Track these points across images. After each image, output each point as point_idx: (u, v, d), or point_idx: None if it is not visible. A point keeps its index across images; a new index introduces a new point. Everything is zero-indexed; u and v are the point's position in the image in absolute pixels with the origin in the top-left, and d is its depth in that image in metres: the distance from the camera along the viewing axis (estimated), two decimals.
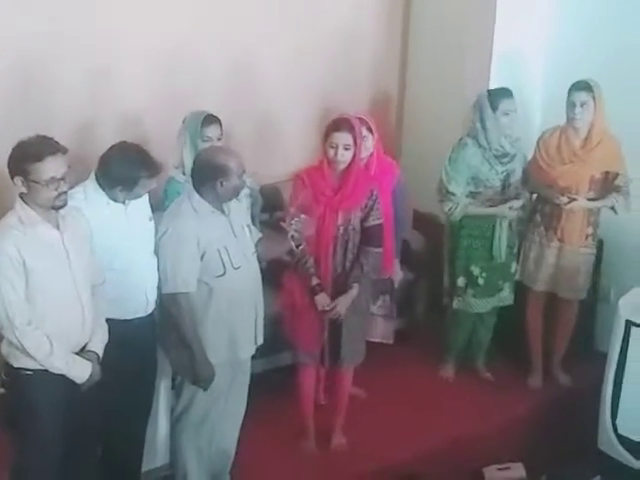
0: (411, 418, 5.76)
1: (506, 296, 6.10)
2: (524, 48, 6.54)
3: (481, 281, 6.00)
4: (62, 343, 4.06)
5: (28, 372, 4.04)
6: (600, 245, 6.26)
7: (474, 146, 5.79)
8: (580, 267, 6.00)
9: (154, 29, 5.82)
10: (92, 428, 4.36)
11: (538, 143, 5.96)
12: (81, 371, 4.10)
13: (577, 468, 5.51)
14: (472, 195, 5.85)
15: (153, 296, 4.61)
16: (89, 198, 4.40)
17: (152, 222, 4.60)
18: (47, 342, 3.97)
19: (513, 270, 6.06)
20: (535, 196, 6.05)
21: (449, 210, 5.85)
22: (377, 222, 5.11)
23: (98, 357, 4.19)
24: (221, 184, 4.42)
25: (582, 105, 5.67)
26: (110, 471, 4.72)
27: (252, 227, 4.84)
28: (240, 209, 4.76)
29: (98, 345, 4.21)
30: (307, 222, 4.71)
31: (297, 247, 4.80)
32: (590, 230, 5.96)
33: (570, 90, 5.71)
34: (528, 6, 6.47)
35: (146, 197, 4.61)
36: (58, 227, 4.03)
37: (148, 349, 4.69)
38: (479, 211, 5.85)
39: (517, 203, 5.83)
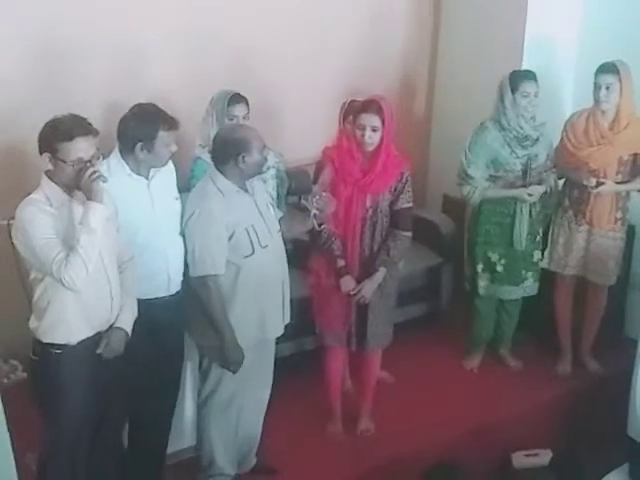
0: (439, 404, 5.74)
1: (530, 285, 6.04)
2: (556, 31, 6.49)
3: (500, 268, 5.95)
4: (90, 319, 4.07)
5: (57, 350, 4.03)
6: (631, 232, 6.23)
7: (495, 129, 5.74)
8: (609, 251, 5.95)
9: (182, 9, 5.83)
10: (120, 406, 4.37)
11: (566, 126, 5.91)
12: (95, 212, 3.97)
13: (605, 455, 5.48)
14: (492, 179, 5.80)
15: (177, 276, 4.60)
16: (112, 170, 4.36)
17: (178, 201, 4.58)
18: (83, 266, 3.90)
19: (536, 259, 5.99)
20: (563, 180, 5.99)
21: (467, 194, 5.82)
22: (407, 205, 5.07)
23: (126, 333, 4.18)
24: (243, 159, 4.40)
25: (607, 87, 5.62)
26: (136, 452, 4.73)
27: (274, 206, 4.84)
28: (263, 188, 4.76)
29: (126, 321, 4.20)
30: (329, 200, 4.68)
31: (319, 226, 4.79)
32: (619, 214, 5.91)
33: (596, 72, 5.66)
34: None
35: (173, 175, 4.61)
36: (84, 204, 4.00)
37: (173, 330, 4.67)
38: (498, 193, 5.78)
39: (538, 189, 5.74)
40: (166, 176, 4.55)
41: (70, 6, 5.41)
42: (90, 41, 5.53)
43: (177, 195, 4.61)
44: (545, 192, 5.78)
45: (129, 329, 4.21)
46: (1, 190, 5.25)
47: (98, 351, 4.10)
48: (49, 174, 3.95)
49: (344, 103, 5.52)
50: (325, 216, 4.71)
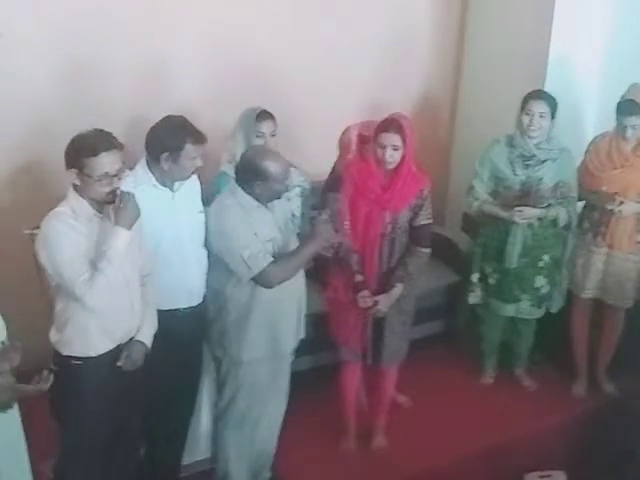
0: (453, 422, 5.74)
1: (526, 309, 6.00)
2: (580, 53, 6.46)
3: (492, 281, 5.98)
4: (110, 333, 4.11)
5: (77, 362, 4.06)
6: None
7: (505, 145, 5.76)
8: (629, 274, 5.93)
9: (207, 25, 5.86)
10: (138, 418, 4.40)
11: (589, 148, 5.91)
12: (118, 237, 4.02)
13: (619, 478, 5.48)
14: (494, 194, 5.82)
15: (199, 288, 4.63)
16: (138, 180, 4.41)
17: (202, 215, 4.60)
18: (104, 283, 3.94)
19: (538, 285, 5.93)
20: (583, 203, 5.97)
21: (468, 204, 5.88)
22: (426, 222, 5.09)
23: (146, 346, 4.22)
24: (258, 186, 4.45)
25: (634, 127, 5.62)
26: (151, 462, 4.75)
27: (293, 222, 4.90)
28: (283, 204, 4.77)
29: (146, 335, 4.24)
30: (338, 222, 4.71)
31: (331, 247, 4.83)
32: (639, 237, 5.88)
33: (619, 112, 5.64)
34: (586, 11, 6.39)
35: (197, 189, 4.64)
36: (110, 218, 4.04)
37: (193, 343, 4.70)
38: (492, 209, 5.79)
39: (532, 211, 5.69)
40: (191, 189, 4.58)
41: (96, 22, 5.46)
42: (115, 56, 5.57)
43: (202, 209, 4.63)
44: (540, 218, 5.72)
45: (149, 342, 4.24)
46: (27, 200, 5.31)
47: (119, 364, 4.13)
48: (76, 187, 3.98)
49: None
50: (331, 243, 4.73)
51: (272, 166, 4.45)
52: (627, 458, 5.38)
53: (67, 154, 3.95)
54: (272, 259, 4.46)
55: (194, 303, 4.62)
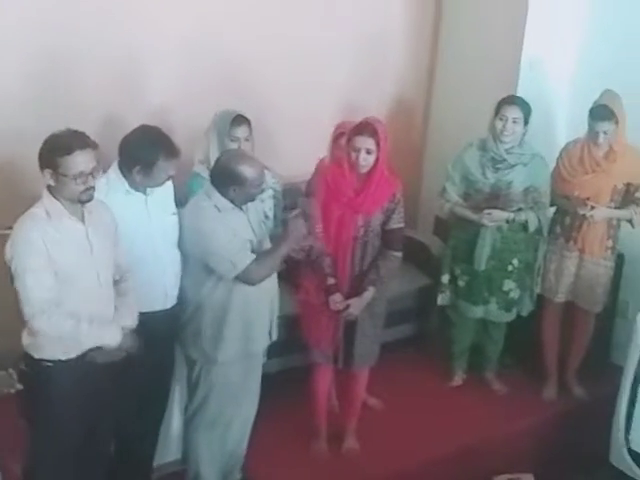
0: (423, 425, 5.76)
1: (494, 312, 6.04)
2: (553, 58, 6.52)
3: (461, 283, 6.02)
4: None
5: (48, 363, 4.05)
6: (620, 260, 6.24)
7: (477, 149, 5.82)
8: (599, 279, 5.97)
9: (182, 24, 5.83)
10: (109, 421, 4.38)
11: (561, 154, 5.95)
12: (111, 335, 4.10)
13: None
14: (464, 196, 5.87)
15: (173, 290, 4.63)
16: (110, 184, 4.41)
17: (175, 217, 4.61)
18: (70, 320, 3.96)
19: (506, 289, 5.97)
20: (555, 208, 6.02)
21: (440, 206, 5.95)
22: (398, 226, 5.11)
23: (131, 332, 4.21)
24: (234, 190, 4.46)
25: (606, 132, 5.65)
26: (122, 464, 4.74)
27: (266, 224, 4.91)
28: (257, 206, 4.77)
29: (126, 320, 4.21)
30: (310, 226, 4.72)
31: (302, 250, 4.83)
32: (610, 243, 5.93)
33: (592, 117, 5.68)
34: (558, 16, 6.45)
35: (170, 191, 4.64)
36: (83, 221, 4.05)
37: (166, 344, 4.70)
38: (462, 212, 5.85)
39: (500, 214, 5.73)
40: (164, 192, 4.57)
41: (68, 17, 5.41)
42: (89, 55, 5.53)
43: (175, 210, 4.63)
44: (508, 221, 5.75)
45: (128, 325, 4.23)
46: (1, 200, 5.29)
47: (88, 359, 4.11)
48: (51, 189, 3.97)
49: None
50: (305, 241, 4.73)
51: (247, 171, 4.45)
52: (596, 461, 5.41)
53: (41, 154, 3.93)
54: (254, 256, 4.48)
55: (168, 305, 4.62)
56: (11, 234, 3.96)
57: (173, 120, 5.54)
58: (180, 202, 4.74)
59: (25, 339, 4.09)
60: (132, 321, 4.25)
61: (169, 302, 4.63)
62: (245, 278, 4.49)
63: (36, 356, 4.06)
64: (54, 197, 3.97)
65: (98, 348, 4.10)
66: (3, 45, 5.30)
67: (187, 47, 5.90)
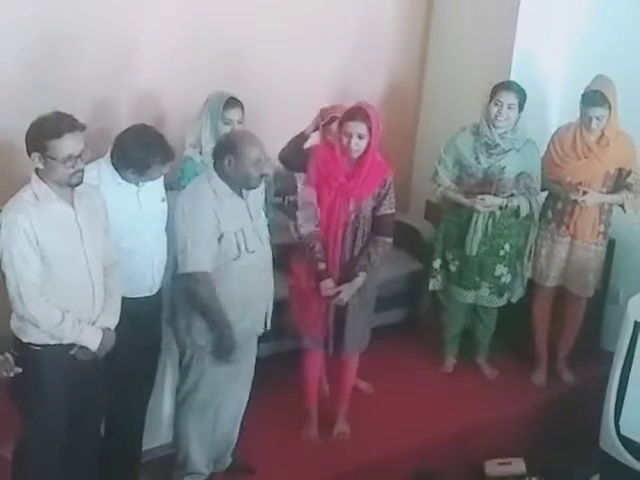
0: (414, 410, 5.76)
1: (486, 297, 6.05)
2: (545, 45, 6.52)
3: (453, 268, 6.04)
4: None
5: (36, 347, 4.04)
6: (611, 245, 6.26)
7: (470, 133, 5.83)
8: (590, 263, 5.99)
9: (175, 6, 5.82)
10: (98, 406, 4.37)
11: (553, 138, 5.95)
12: (91, 339, 4.10)
13: (577, 466, 5.54)
14: (457, 181, 5.88)
15: (159, 276, 4.63)
16: (102, 176, 4.41)
17: (164, 203, 4.60)
18: (57, 312, 3.98)
19: (498, 274, 5.99)
20: (546, 193, 6.02)
21: (432, 190, 5.96)
22: (389, 212, 5.11)
23: (109, 329, 4.19)
24: (229, 162, 4.43)
25: (598, 118, 5.66)
26: (111, 448, 4.73)
27: (264, 211, 4.85)
28: (257, 193, 4.74)
29: (108, 320, 4.20)
30: (313, 215, 4.71)
31: (299, 238, 4.79)
32: (602, 228, 5.95)
33: (585, 103, 5.69)
34: (552, 2, 6.45)
35: (160, 178, 4.60)
36: (73, 204, 4.03)
37: (152, 328, 4.70)
38: (455, 196, 5.86)
39: (493, 199, 5.74)
40: (155, 181, 4.55)
41: (63, 5, 5.39)
42: (81, 38, 5.49)
43: (164, 196, 4.62)
44: (501, 207, 5.77)
45: (112, 326, 4.21)
46: None
47: (71, 352, 4.10)
48: (39, 172, 3.95)
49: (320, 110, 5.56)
50: (307, 229, 4.71)
51: (244, 141, 4.46)
52: (586, 447, 5.42)
53: (29, 138, 3.92)
54: (207, 271, 4.43)
55: (154, 291, 4.62)
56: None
57: (164, 104, 5.54)
58: (170, 186, 4.74)
59: (14, 323, 4.09)
60: (113, 322, 4.24)
61: (155, 288, 4.63)
62: (189, 281, 4.47)
63: (24, 340, 4.05)
64: (43, 181, 3.95)
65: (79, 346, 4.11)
66: None
67: (180, 32, 5.87)
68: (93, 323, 4.15)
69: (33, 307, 3.93)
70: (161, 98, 5.64)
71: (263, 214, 4.74)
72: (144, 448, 4.97)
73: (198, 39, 5.94)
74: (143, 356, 4.65)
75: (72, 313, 4.03)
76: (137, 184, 4.45)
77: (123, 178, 4.42)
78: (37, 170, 3.96)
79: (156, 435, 5.06)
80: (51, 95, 5.11)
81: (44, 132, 3.88)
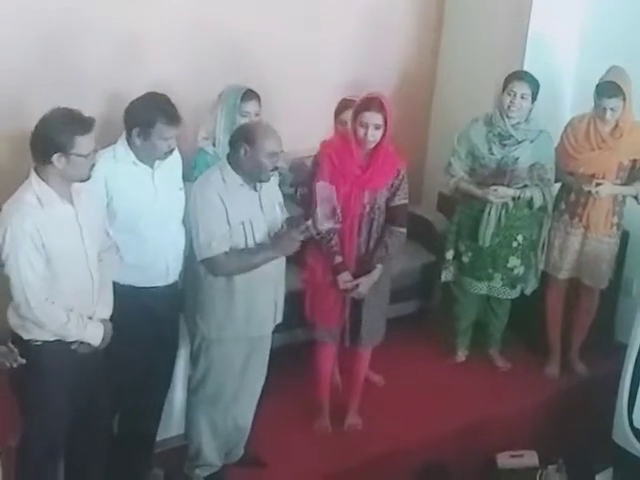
0: (426, 402, 5.76)
1: (498, 288, 6.03)
2: (559, 34, 6.47)
3: (465, 259, 6.01)
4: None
5: (37, 342, 4.03)
6: (625, 237, 6.22)
7: (483, 124, 5.80)
8: (604, 255, 5.96)
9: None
10: (103, 397, 4.35)
11: (566, 129, 5.92)
12: (94, 335, 4.11)
13: (590, 458, 5.52)
14: (470, 172, 5.85)
15: (175, 266, 4.62)
16: (117, 156, 4.42)
17: (182, 192, 4.59)
18: (63, 313, 3.98)
19: (511, 265, 5.97)
20: (560, 185, 5.99)
21: (445, 181, 5.91)
22: (403, 202, 5.09)
23: (106, 321, 4.19)
24: (245, 152, 4.40)
25: (612, 109, 5.62)
26: (125, 440, 4.73)
27: (282, 207, 4.80)
28: (272, 186, 4.73)
29: (104, 311, 4.20)
30: (334, 209, 4.67)
31: (317, 234, 4.76)
32: (615, 219, 5.92)
33: (599, 94, 5.64)
34: None
35: (179, 166, 4.63)
36: (72, 203, 4.01)
37: (168, 319, 4.68)
38: (468, 187, 5.83)
39: (506, 190, 5.73)
40: (171, 166, 4.55)
41: None
42: (91, 30, 5.48)
43: (181, 185, 4.62)
44: (514, 198, 5.75)
45: (107, 316, 4.21)
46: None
47: (72, 347, 4.10)
48: (39, 172, 3.92)
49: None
50: (327, 225, 4.67)
51: (261, 133, 4.43)
52: (599, 439, 5.40)
53: (50, 139, 3.85)
54: (226, 250, 4.42)
55: (171, 280, 4.61)
56: (1, 221, 3.91)
57: (175, 96, 5.50)
58: (185, 177, 4.73)
59: (12, 319, 4.06)
60: (109, 312, 4.23)
61: (171, 277, 4.62)
62: (209, 267, 4.47)
63: (25, 337, 4.04)
64: (43, 181, 3.91)
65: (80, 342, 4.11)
66: (6, 22, 5.25)
67: (190, 24, 5.85)
68: (91, 316, 4.14)
69: (40, 311, 3.93)
70: (172, 89, 5.60)
71: (278, 209, 4.70)
72: (157, 439, 4.96)
73: (208, 32, 5.92)
74: (161, 346, 4.66)
75: (75, 310, 4.03)
76: (152, 166, 4.45)
77: (137, 157, 4.42)
78: (37, 170, 3.92)
79: (169, 426, 5.07)
80: (60, 90, 5.13)
81: (69, 130, 3.84)
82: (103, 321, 4.17)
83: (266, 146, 4.42)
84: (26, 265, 3.86)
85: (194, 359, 4.77)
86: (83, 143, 3.85)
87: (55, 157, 3.84)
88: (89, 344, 4.11)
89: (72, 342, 4.08)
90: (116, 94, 5.23)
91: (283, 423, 5.35)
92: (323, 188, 4.69)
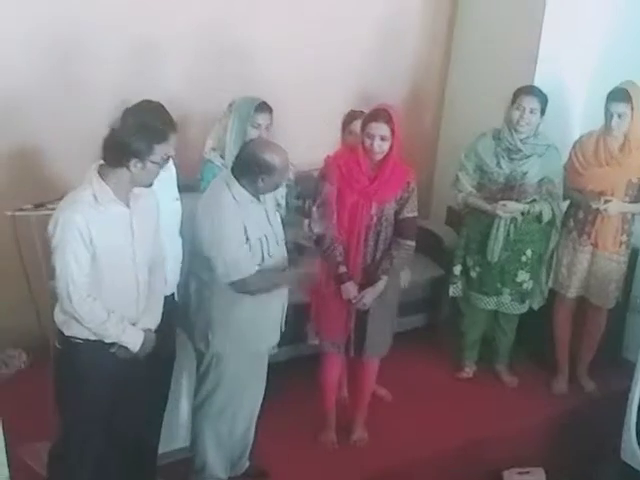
0: (432, 416, 5.74)
1: (507, 303, 6.01)
2: (571, 50, 6.45)
3: (473, 274, 5.99)
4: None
5: (78, 340, 4.08)
6: (634, 255, 6.19)
7: (492, 138, 5.78)
8: (612, 275, 5.92)
9: (194, 9, 5.82)
10: (133, 408, 4.36)
11: (575, 146, 5.89)
12: (133, 340, 4.14)
13: (598, 476, 5.48)
14: (478, 187, 5.83)
15: (173, 278, 4.60)
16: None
17: (178, 202, 4.59)
18: (103, 311, 4.02)
19: (520, 280, 5.94)
20: (568, 202, 5.96)
21: (453, 196, 5.90)
22: (411, 215, 5.06)
23: (150, 330, 4.23)
24: (262, 180, 4.39)
25: (619, 116, 5.60)
26: (126, 451, 4.69)
27: (280, 213, 4.84)
28: (271, 196, 4.71)
29: (149, 321, 4.25)
30: (325, 214, 4.67)
31: (313, 235, 4.78)
32: (624, 238, 5.88)
33: (608, 99, 5.63)
34: (577, 8, 6.39)
35: (173, 176, 4.61)
36: (129, 206, 4.05)
37: (165, 332, 4.62)
38: (476, 202, 5.82)
39: (515, 205, 5.71)
40: (167, 177, 4.49)
41: (83, 7, 5.42)
42: (100, 40, 5.53)
43: (177, 196, 4.60)
44: (523, 213, 5.72)
45: (152, 327, 4.26)
46: (8, 182, 5.28)
47: (112, 350, 4.13)
48: (102, 173, 3.97)
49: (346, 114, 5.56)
50: (321, 227, 4.68)
51: (276, 159, 4.39)
52: (607, 457, 5.37)
53: (129, 145, 3.91)
54: (255, 269, 4.42)
55: (167, 292, 4.55)
56: (55, 213, 3.98)
57: (183, 107, 5.55)
58: (189, 188, 4.74)
59: (57, 315, 4.13)
60: (155, 323, 4.28)
61: (168, 289, 4.57)
62: (237, 287, 4.45)
63: (66, 333, 4.10)
64: (104, 181, 3.96)
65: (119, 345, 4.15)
66: (20, 33, 5.31)
67: (199, 34, 5.89)
68: (135, 323, 4.18)
69: (80, 306, 3.97)
70: (180, 100, 5.64)
71: (278, 216, 4.71)
72: (162, 451, 4.93)
73: (218, 42, 5.96)
74: (157, 360, 4.58)
75: (117, 313, 4.07)
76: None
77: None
78: (101, 172, 3.97)
79: (174, 438, 5.06)
80: (74, 98, 5.14)
81: (149, 138, 3.93)
82: (146, 330, 4.21)
83: (281, 166, 4.40)
84: (72, 258, 3.90)
85: (201, 376, 4.75)
86: (162, 150, 3.97)
87: (132, 162, 3.92)
88: (128, 349, 4.14)
89: (112, 345, 4.11)
90: (127, 104, 5.25)
91: (288, 436, 5.32)
92: (325, 192, 4.71)
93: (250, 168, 4.39)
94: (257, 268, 4.43)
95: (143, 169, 3.95)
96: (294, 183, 5.41)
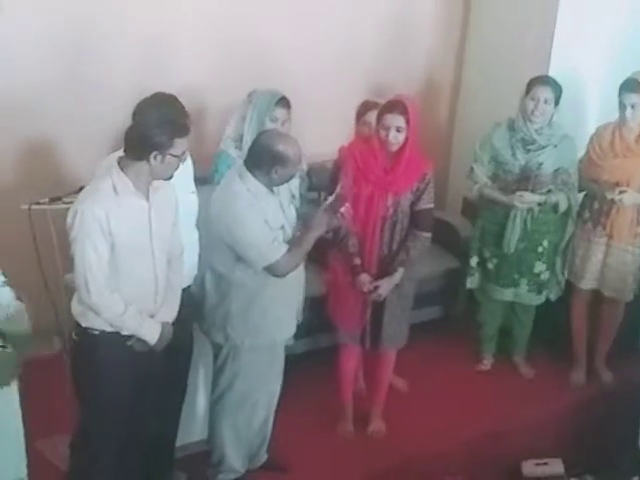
0: (450, 408, 5.73)
1: (524, 294, 5.99)
2: (586, 40, 6.41)
3: (490, 265, 5.97)
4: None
5: (95, 332, 4.08)
6: None
7: (506, 129, 5.76)
8: (628, 267, 5.89)
9: (210, 4, 5.85)
10: (151, 400, 4.37)
11: (592, 138, 5.86)
12: (150, 333, 4.14)
13: (616, 467, 5.46)
14: (493, 177, 5.81)
15: (190, 271, 4.60)
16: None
17: (194, 195, 4.58)
18: (121, 303, 4.02)
19: (537, 270, 5.92)
20: (584, 193, 5.94)
21: (469, 187, 5.89)
22: (428, 206, 5.05)
23: (168, 323, 4.23)
24: (276, 171, 4.37)
25: (633, 106, 5.57)
26: (144, 443, 4.70)
27: (294, 204, 4.83)
28: (286, 188, 4.71)
29: (167, 314, 4.25)
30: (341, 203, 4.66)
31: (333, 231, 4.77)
32: (639, 229, 5.85)
33: (620, 90, 5.60)
34: None
35: (190, 169, 4.59)
36: (148, 198, 4.05)
37: (182, 325, 4.61)
38: (492, 194, 5.79)
39: (531, 196, 5.68)
40: (183, 170, 4.45)
41: (97, 2, 5.45)
42: (114, 38, 5.55)
43: (194, 189, 4.60)
44: (539, 203, 5.70)
45: (170, 320, 4.27)
46: (25, 176, 5.30)
47: (129, 343, 4.14)
48: (122, 165, 3.97)
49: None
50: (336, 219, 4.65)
51: (289, 150, 4.37)
52: (624, 447, 5.36)
53: (150, 138, 3.92)
54: (287, 248, 4.42)
55: (184, 285, 4.55)
56: (75, 204, 3.98)
57: (200, 101, 5.56)
58: (204, 180, 4.72)
59: (74, 306, 4.13)
60: (172, 316, 4.29)
61: (185, 281, 4.57)
62: (274, 270, 4.43)
63: (83, 324, 4.10)
64: (124, 173, 3.97)
65: (137, 338, 4.15)
66: (35, 31, 5.32)
67: (213, 29, 5.90)
68: (153, 316, 4.18)
69: (98, 297, 3.97)
70: (197, 95, 5.65)
71: (292, 207, 4.70)
72: (179, 444, 4.95)
73: (233, 36, 5.96)
74: (174, 353, 4.55)
75: (135, 305, 4.07)
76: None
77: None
78: (121, 163, 3.97)
79: (191, 431, 5.06)
80: (89, 95, 5.16)
81: (170, 131, 3.93)
82: (164, 323, 4.21)
83: (295, 157, 4.39)
84: (90, 248, 3.90)
85: (218, 369, 4.75)
86: (182, 144, 3.97)
87: (152, 155, 3.92)
88: (145, 342, 4.14)
89: (129, 337, 4.12)
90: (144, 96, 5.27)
91: (306, 428, 5.34)
92: (342, 183, 4.69)
93: (263, 160, 4.37)
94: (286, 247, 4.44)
95: (162, 162, 3.95)
96: (307, 174, 5.40)
